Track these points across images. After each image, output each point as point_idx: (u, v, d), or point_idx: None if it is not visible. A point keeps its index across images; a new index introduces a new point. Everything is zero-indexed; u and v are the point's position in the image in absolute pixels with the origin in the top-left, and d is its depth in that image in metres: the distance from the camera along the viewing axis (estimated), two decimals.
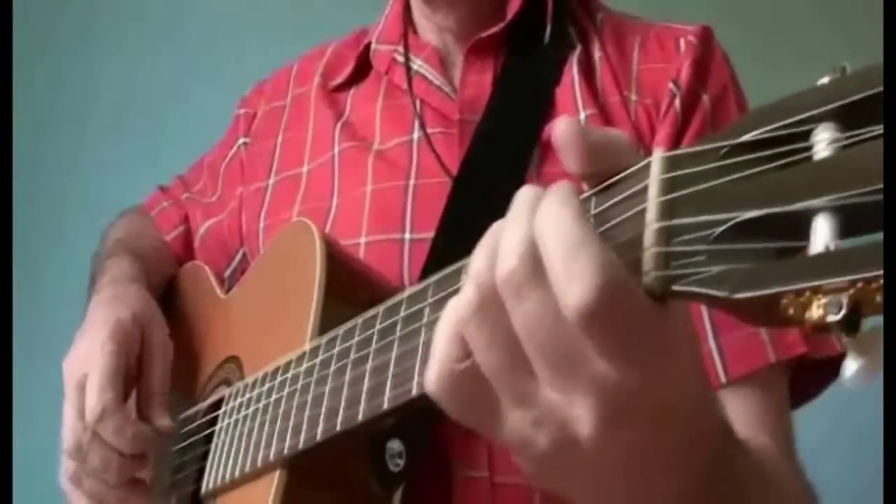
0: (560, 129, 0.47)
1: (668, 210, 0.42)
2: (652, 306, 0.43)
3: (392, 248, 0.88)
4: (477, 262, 0.47)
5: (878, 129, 0.37)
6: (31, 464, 1.19)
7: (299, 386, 0.72)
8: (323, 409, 0.67)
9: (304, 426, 0.69)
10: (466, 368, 0.47)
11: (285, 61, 1.11)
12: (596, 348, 0.43)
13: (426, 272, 0.82)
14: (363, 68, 1.02)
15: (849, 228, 0.37)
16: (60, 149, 2.07)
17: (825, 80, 0.40)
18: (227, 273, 1.07)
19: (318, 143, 1.00)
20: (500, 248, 0.46)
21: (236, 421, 0.81)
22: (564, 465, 0.48)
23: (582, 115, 0.88)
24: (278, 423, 0.73)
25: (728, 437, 0.56)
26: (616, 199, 0.45)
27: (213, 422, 0.87)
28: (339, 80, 1.03)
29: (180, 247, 1.13)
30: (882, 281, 0.35)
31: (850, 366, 0.38)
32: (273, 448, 0.73)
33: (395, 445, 0.74)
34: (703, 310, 0.81)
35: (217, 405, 0.88)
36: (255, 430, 0.76)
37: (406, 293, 0.62)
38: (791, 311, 0.38)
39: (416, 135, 0.93)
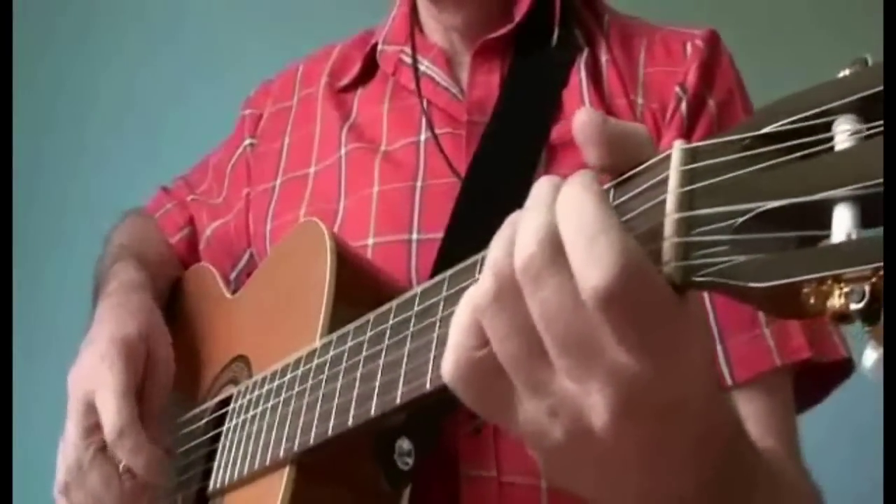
0: (580, 121, 0.47)
1: (688, 201, 0.43)
2: (672, 296, 0.43)
3: (399, 249, 0.88)
4: (494, 250, 0.47)
5: None
6: (31, 464, 1.19)
7: (310, 383, 0.72)
8: (334, 405, 0.67)
9: (315, 422, 0.69)
10: (483, 357, 0.48)
11: (286, 62, 1.11)
12: (614, 335, 0.43)
13: (435, 273, 0.82)
14: (370, 69, 1.02)
15: (870, 218, 0.38)
16: (61, 149, 2.07)
17: (846, 72, 0.40)
18: (234, 274, 1.07)
19: (324, 144, 1.00)
20: (518, 235, 0.46)
21: (244, 419, 0.81)
22: (578, 458, 0.48)
23: None
24: (289, 420, 0.73)
25: (740, 435, 0.57)
26: (636, 191, 0.45)
27: (220, 421, 0.87)
28: (346, 80, 1.03)
29: (185, 249, 1.12)
30: None
31: (870, 356, 0.38)
32: (283, 445, 0.73)
33: (403, 444, 0.74)
34: (710, 313, 0.81)
35: (224, 404, 0.87)
36: (265, 428, 0.76)
37: (419, 288, 0.62)
38: (812, 300, 0.38)
39: (423, 136, 0.94)
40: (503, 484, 0.80)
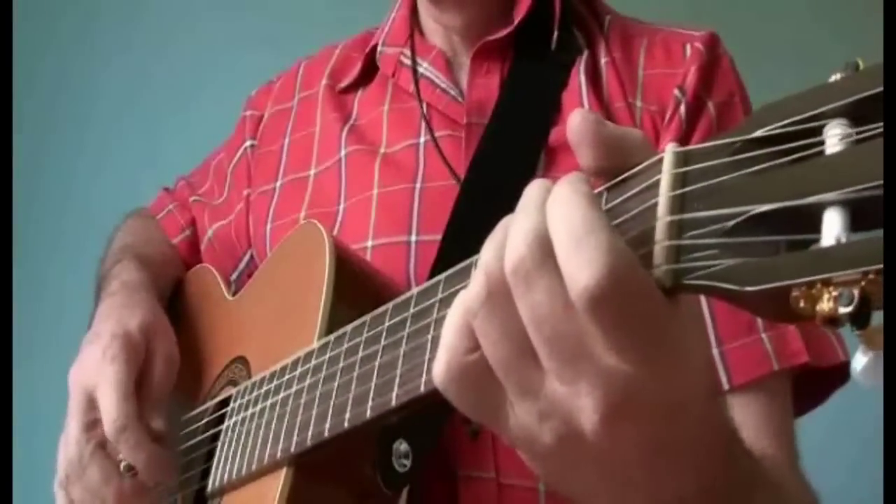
0: (575, 122, 0.47)
1: (679, 204, 0.43)
2: (661, 298, 0.43)
3: (398, 251, 0.89)
4: (486, 254, 0.47)
5: None
6: (31, 463, 1.19)
7: (307, 383, 0.72)
8: (331, 406, 0.67)
9: (312, 423, 0.69)
10: (474, 361, 0.48)
11: (288, 63, 1.11)
12: (603, 337, 0.43)
13: (433, 274, 0.82)
14: (369, 70, 1.02)
15: (860, 222, 0.38)
16: (61, 149, 2.07)
17: (837, 76, 0.40)
18: (234, 276, 1.08)
19: (324, 145, 1.00)
20: (508, 238, 0.46)
21: (243, 419, 0.81)
22: (570, 462, 0.48)
23: None
24: (286, 420, 0.73)
25: (736, 441, 0.57)
26: (628, 194, 0.46)
27: (219, 421, 0.87)
28: (346, 82, 1.03)
29: (187, 250, 1.13)
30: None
31: (860, 360, 0.39)
32: (280, 445, 0.73)
33: (401, 446, 0.74)
34: (707, 318, 0.81)
35: (223, 404, 0.88)
36: (263, 428, 0.76)
37: (415, 290, 0.62)
38: (802, 303, 0.38)
39: (422, 138, 0.94)
40: (502, 486, 0.80)
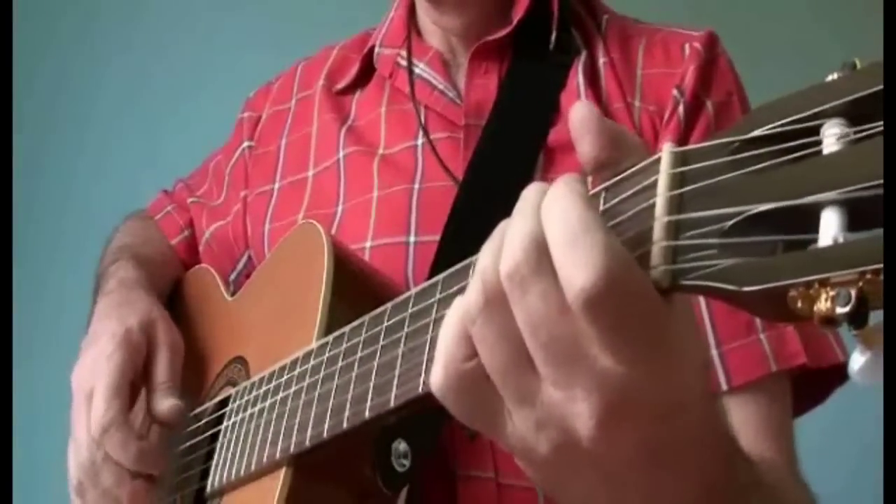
0: (578, 112, 0.47)
1: (677, 204, 0.43)
2: (658, 298, 0.43)
3: (396, 251, 0.89)
4: (483, 259, 0.47)
5: None
6: (32, 463, 1.19)
7: (306, 383, 0.72)
8: (330, 407, 0.67)
9: (311, 423, 0.69)
10: (472, 368, 0.48)
11: (288, 63, 1.11)
12: (599, 339, 0.43)
13: (432, 276, 0.82)
14: (367, 71, 1.02)
15: (857, 222, 0.38)
16: (62, 149, 2.08)
17: (834, 75, 0.40)
18: (233, 277, 1.08)
19: (322, 146, 1.00)
20: (505, 243, 0.46)
21: (242, 419, 0.81)
22: (567, 470, 0.48)
23: None
24: (285, 420, 0.73)
25: (734, 443, 0.56)
26: (626, 194, 0.46)
27: (219, 421, 0.87)
28: (344, 83, 1.03)
29: (185, 251, 1.13)
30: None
31: (857, 360, 0.39)
32: (279, 445, 0.73)
33: (400, 446, 0.74)
34: (706, 318, 0.81)
35: (222, 405, 0.88)
36: (262, 428, 0.76)
37: (414, 290, 0.62)
38: (799, 304, 0.38)
39: (421, 140, 0.94)
40: (501, 486, 0.80)
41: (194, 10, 2.04)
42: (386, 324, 0.64)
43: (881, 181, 0.36)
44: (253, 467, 0.76)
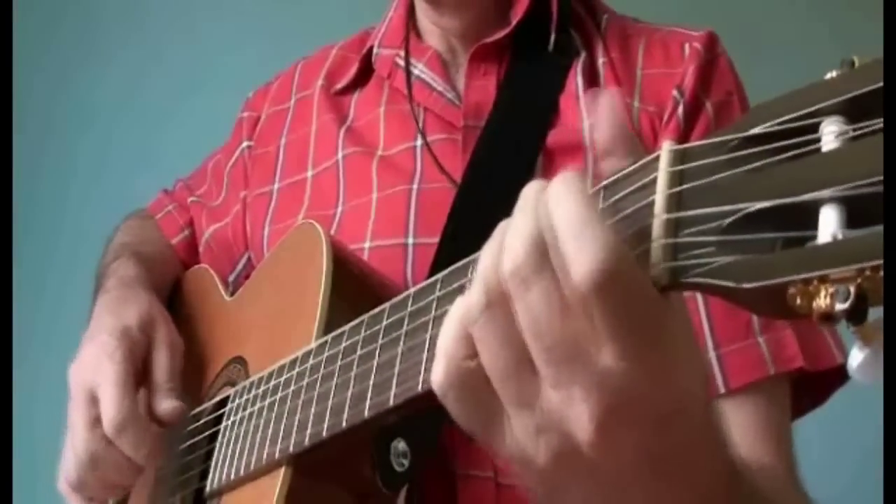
0: (605, 97, 0.48)
1: (676, 202, 0.43)
2: (657, 296, 0.43)
3: (395, 253, 0.89)
4: (484, 260, 0.47)
5: None
6: (31, 462, 1.19)
7: (305, 382, 0.72)
8: (329, 406, 0.67)
9: (310, 422, 0.69)
10: (473, 368, 0.48)
11: (287, 64, 1.11)
12: (599, 337, 0.43)
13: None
14: (366, 71, 1.02)
15: (856, 219, 0.38)
16: (61, 150, 2.07)
17: (833, 73, 0.41)
18: (232, 277, 1.08)
19: (321, 147, 1.00)
20: (506, 242, 0.46)
21: (241, 419, 0.81)
22: (566, 478, 0.48)
23: (586, 123, 0.88)
24: (284, 419, 0.73)
25: (732, 453, 0.56)
26: (625, 192, 0.46)
27: (217, 421, 0.87)
28: (343, 83, 1.03)
29: (185, 251, 1.13)
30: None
31: (856, 356, 0.39)
32: (279, 445, 0.73)
33: (399, 445, 0.74)
34: (704, 321, 0.81)
35: (221, 405, 0.88)
36: (261, 428, 0.76)
37: (413, 289, 0.62)
38: (798, 300, 0.38)
39: (419, 141, 0.94)
40: (500, 485, 0.80)
41: (193, 10, 2.04)
42: (385, 322, 0.64)
43: (880, 178, 0.37)
44: (252, 467, 0.76)
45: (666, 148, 0.44)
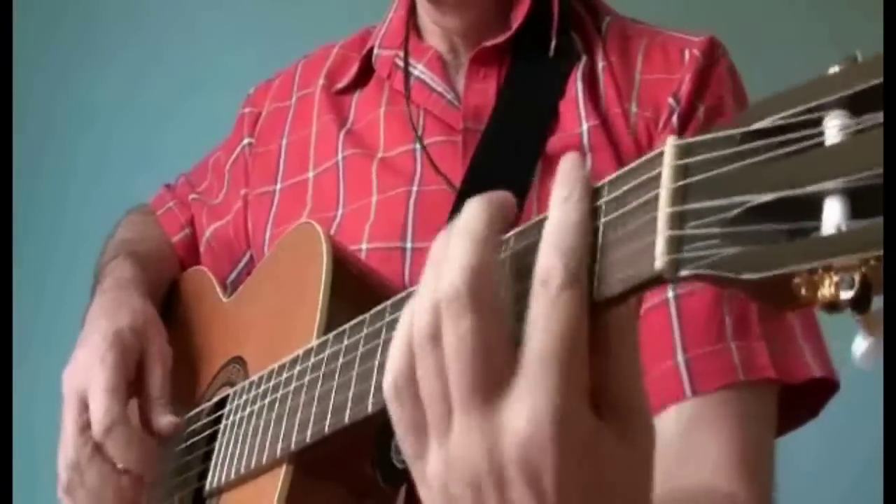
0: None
1: (681, 195, 0.43)
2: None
3: (393, 256, 0.89)
4: (405, 315, 0.50)
5: None
6: (31, 463, 1.19)
7: (307, 380, 0.72)
8: (331, 403, 0.67)
9: (312, 420, 0.70)
10: (412, 381, 0.49)
11: (288, 63, 1.11)
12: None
13: None
14: (366, 71, 1.02)
15: (859, 209, 0.38)
16: (61, 149, 2.07)
17: (836, 68, 0.41)
18: (233, 276, 1.07)
19: (321, 148, 1.00)
20: (414, 302, 0.49)
21: (241, 418, 0.81)
22: None
23: (584, 127, 0.89)
24: (285, 417, 0.73)
25: None
26: (630, 186, 0.46)
27: (217, 422, 0.87)
28: (343, 83, 1.03)
29: (185, 249, 1.13)
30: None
31: (861, 345, 0.39)
32: (280, 443, 0.73)
33: None
34: (675, 327, 0.81)
35: (221, 405, 0.88)
36: (262, 426, 0.77)
37: (416, 287, 0.62)
38: (803, 290, 0.39)
39: (419, 143, 0.94)
40: None
41: (193, 10, 2.04)
42: (387, 319, 0.64)
43: (882, 170, 0.37)
44: (253, 465, 0.76)
45: (670, 142, 0.45)
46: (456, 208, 0.87)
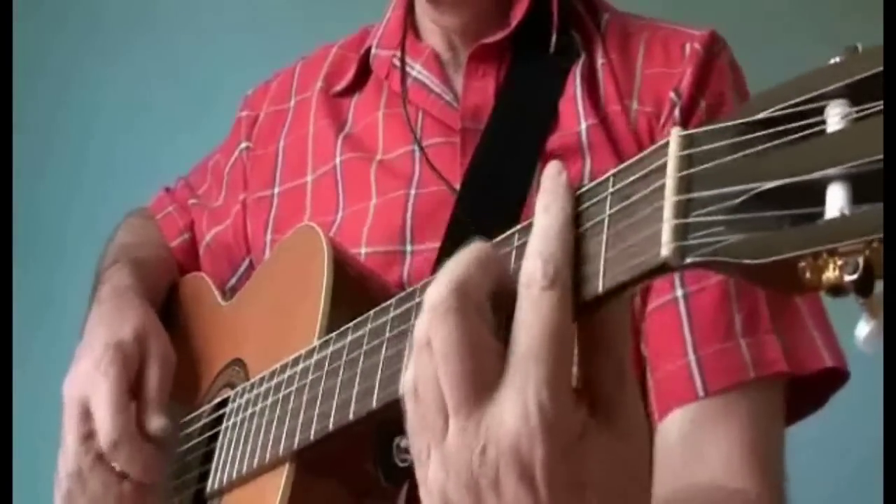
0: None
1: (686, 184, 0.44)
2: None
3: (393, 259, 0.89)
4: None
5: None
6: (31, 465, 1.19)
7: (309, 379, 0.72)
8: (335, 401, 0.68)
9: (316, 418, 0.70)
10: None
11: (289, 63, 1.11)
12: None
13: None
14: (364, 73, 1.02)
15: (862, 195, 0.39)
16: (64, 151, 2.07)
17: (837, 59, 0.42)
18: (233, 281, 1.07)
19: (319, 151, 1.00)
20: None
21: (242, 419, 0.81)
22: None
23: (583, 126, 0.89)
24: (288, 416, 0.73)
25: None
26: (636, 176, 0.47)
27: (217, 423, 0.87)
28: (341, 86, 1.03)
29: (183, 254, 1.12)
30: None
31: (864, 328, 0.40)
32: (283, 442, 0.73)
33: (402, 442, 0.74)
34: (684, 324, 0.81)
35: (221, 406, 0.88)
36: (264, 425, 0.77)
37: (419, 284, 0.63)
38: (808, 274, 0.39)
39: (417, 145, 0.94)
40: None
41: (199, 11, 2.03)
42: (392, 315, 0.64)
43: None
44: (255, 465, 0.76)
45: (675, 133, 0.46)
46: (456, 211, 0.88)
